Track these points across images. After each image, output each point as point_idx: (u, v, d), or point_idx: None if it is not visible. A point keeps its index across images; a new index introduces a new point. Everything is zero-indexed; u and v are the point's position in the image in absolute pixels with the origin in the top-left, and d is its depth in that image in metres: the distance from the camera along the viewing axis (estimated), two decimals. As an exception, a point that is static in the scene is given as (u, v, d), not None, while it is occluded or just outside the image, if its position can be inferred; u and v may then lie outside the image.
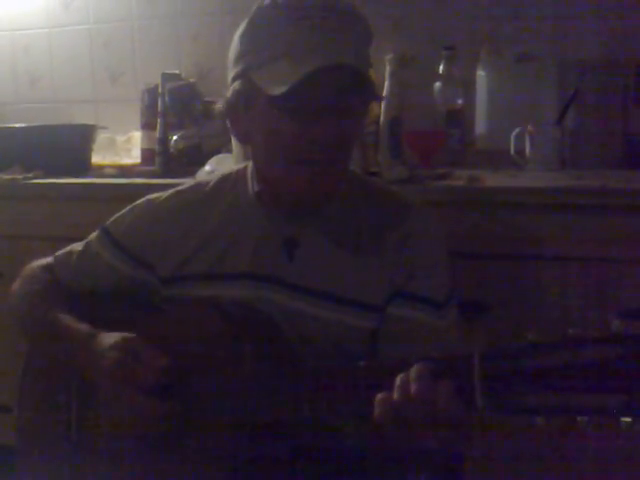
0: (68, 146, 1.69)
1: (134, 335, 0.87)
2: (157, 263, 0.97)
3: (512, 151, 1.48)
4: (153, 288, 0.98)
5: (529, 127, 1.46)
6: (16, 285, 1.04)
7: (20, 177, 1.57)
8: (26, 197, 1.55)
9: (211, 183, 0.99)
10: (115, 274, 1.00)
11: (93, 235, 1.04)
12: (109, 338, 0.88)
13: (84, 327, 0.93)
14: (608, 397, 0.60)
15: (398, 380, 0.68)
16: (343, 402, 0.75)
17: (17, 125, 1.78)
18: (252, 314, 0.89)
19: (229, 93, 0.88)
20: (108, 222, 1.03)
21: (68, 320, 0.95)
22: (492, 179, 1.34)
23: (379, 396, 0.69)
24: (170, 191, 1.01)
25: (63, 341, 0.93)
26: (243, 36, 0.86)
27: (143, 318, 0.95)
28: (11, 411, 1.06)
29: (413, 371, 0.68)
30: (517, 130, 1.47)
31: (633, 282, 1.19)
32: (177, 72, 1.85)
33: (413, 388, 0.67)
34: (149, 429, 0.86)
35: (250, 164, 0.96)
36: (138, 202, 1.02)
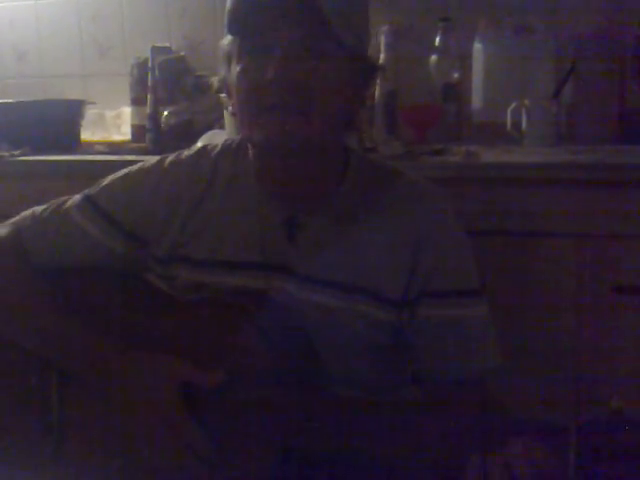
0: (56, 122, 1.66)
1: (182, 362, 0.78)
2: (152, 240, 0.91)
3: (508, 126, 1.46)
4: (146, 266, 0.92)
5: (526, 101, 1.45)
6: None
7: (7, 154, 1.55)
8: (13, 175, 1.52)
9: (214, 152, 0.93)
10: (102, 251, 0.91)
11: (72, 203, 0.93)
12: (151, 362, 0.79)
13: (105, 339, 0.83)
14: None
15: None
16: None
17: (3, 101, 1.75)
18: (291, 335, 0.83)
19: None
20: (93, 190, 0.94)
21: (77, 325, 0.84)
22: (488, 155, 1.33)
23: None
24: (168, 159, 0.93)
25: (73, 351, 0.83)
26: None
27: (147, 309, 0.86)
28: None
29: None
30: (514, 105, 1.45)
31: (630, 258, 1.19)
32: (167, 45, 1.82)
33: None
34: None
35: None
36: (130, 170, 0.95)
